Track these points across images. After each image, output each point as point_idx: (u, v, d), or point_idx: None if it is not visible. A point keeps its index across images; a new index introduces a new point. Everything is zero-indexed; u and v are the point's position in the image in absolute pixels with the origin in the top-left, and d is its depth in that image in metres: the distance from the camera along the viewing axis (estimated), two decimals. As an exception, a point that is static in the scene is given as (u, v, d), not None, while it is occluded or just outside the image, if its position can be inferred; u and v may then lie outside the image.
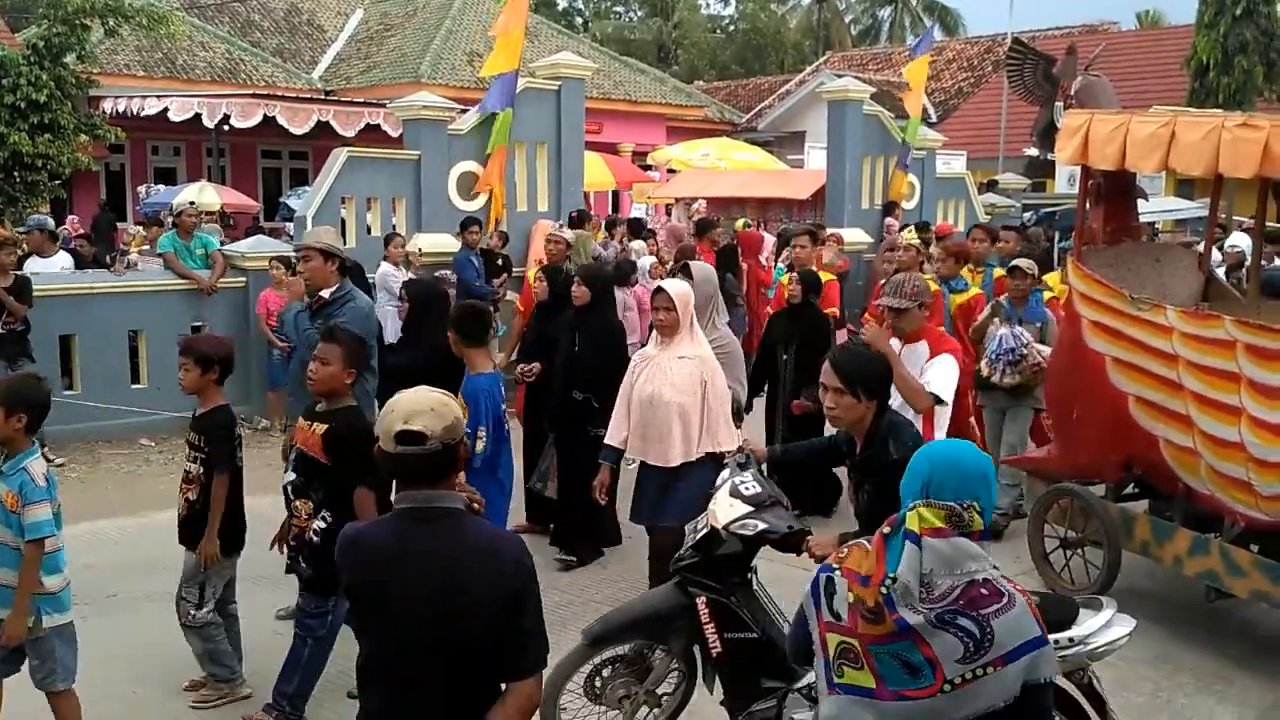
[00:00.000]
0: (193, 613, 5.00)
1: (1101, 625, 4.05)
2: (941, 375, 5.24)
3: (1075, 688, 4.10)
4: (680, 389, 5.48)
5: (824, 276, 8.85)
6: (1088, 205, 7.04)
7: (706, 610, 4.30)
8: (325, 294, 6.11)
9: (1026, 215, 17.32)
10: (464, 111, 12.49)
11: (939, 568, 2.62)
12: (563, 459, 7.11)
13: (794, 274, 8.43)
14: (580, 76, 13.25)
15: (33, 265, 9.92)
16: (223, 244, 11.53)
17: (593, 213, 17.46)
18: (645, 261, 11.91)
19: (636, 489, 5.82)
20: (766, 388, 8.16)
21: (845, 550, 2.80)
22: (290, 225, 12.64)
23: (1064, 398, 6.76)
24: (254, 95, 19.70)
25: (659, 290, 5.69)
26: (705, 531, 4.31)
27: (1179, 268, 7.07)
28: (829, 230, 13.64)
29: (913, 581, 2.60)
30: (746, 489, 4.26)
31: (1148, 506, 6.62)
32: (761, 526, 4.16)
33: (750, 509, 4.20)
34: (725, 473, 4.48)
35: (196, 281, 10.40)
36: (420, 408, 2.85)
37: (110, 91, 19.18)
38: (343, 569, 2.92)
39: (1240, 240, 13.25)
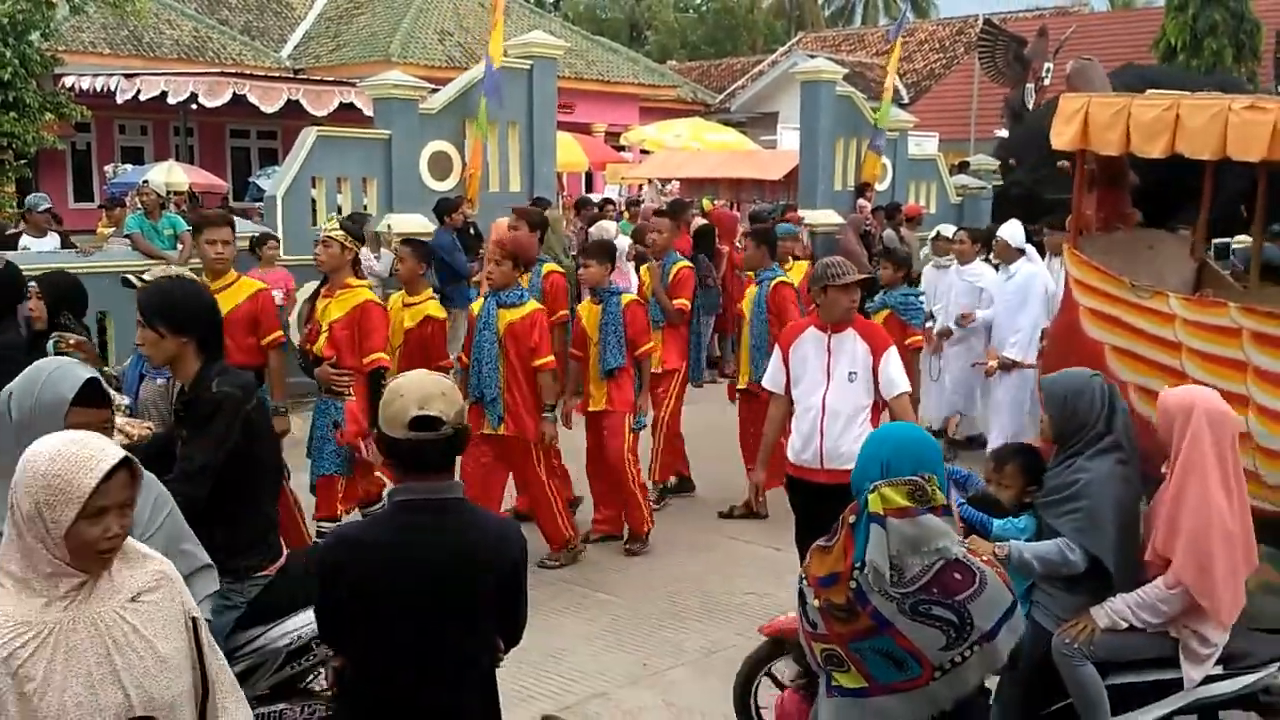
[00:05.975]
0: None
1: None
2: (900, 372, 5.43)
3: None
4: None
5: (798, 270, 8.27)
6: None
7: None
8: None
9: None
10: (435, 91, 12.39)
11: (905, 549, 2.61)
12: None
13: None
14: (552, 56, 13.16)
15: (26, 244, 9.94)
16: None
17: (565, 193, 17.42)
18: (623, 242, 11.84)
19: None
20: None
21: (809, 558, 2.84)
22: (260, 205, 12.50)
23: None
24: (222, 74, 19.47)
25: None
26: None
27: (1172, 254, 7.02)
28: (799, 211, 13.69)
29: (882, 563, 2.59)
30: None
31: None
32: None
33: None
34: None
35: (165, 262, 10.28)
36: (432, 391, 2.69)
37: (76, 70, 18.91)
38: (336, 573, 2.70)
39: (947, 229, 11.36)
